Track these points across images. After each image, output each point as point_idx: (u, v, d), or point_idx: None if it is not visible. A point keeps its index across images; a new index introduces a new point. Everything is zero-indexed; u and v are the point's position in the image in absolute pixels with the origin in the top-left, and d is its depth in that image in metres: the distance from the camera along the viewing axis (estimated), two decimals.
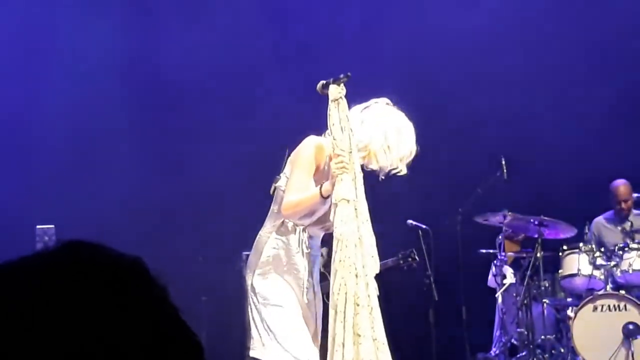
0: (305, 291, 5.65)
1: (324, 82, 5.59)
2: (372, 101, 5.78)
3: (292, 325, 5.61)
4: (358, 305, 5.38)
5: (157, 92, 10.38)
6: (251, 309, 5.75)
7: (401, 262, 8.59)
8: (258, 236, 5.79)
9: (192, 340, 1.04)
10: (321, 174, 5.65)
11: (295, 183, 5.58)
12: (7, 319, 0.97)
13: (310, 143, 5.64)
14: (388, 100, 5.80)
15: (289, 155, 5.75)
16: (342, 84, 5.56)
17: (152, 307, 1.02)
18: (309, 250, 5.71)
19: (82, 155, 10.11)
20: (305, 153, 5.63)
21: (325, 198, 5.51)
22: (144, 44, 10.42)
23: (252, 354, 5.68)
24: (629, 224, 9.34)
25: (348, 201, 5.44)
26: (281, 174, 5.75)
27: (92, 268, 1.02)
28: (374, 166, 5.69)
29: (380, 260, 8.05)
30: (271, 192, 5.80)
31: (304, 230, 5.69)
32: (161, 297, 1.04)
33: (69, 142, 10.10)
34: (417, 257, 8.57)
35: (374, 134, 5.66)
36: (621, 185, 9.51)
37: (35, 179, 9.93)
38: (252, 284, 5.76)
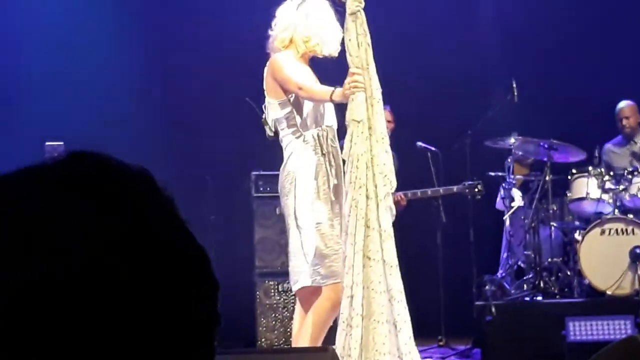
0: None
1: None
2: None
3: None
4: (369, 227, 5.37)
5: None
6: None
7: (466, 190, 8.62)
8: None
9: (200, 252, 1.03)
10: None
11: (292, 76, 5.65)
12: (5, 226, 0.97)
13: (275, 58, 5.78)
14: None
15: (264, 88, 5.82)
16: None
17: (159, 216, 1.02)
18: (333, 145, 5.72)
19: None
20: (281, 63, 5.75)
21: (332, 101, 5.54)
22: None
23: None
24: (637, 145, 9.32)
25: (358, 122, 5.42)
26: (264, 107, 5.83)
27: (98, 176, 1.01)
28: (327, 52, 5.76)
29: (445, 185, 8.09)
30: (266, 129, 5.82)
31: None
32: (168, 208, 1.04)
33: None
34: (482, 190, 8.60)
35: (321, 24, 5.77)
36: (625, 104, 9.49)
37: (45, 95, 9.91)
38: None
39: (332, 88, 5.53)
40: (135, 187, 1.02)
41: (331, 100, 5.55)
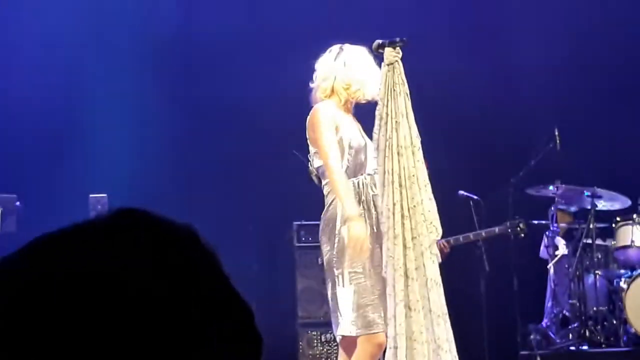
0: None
1: (380, 42, 5.63)
2: (336, 47, 5.98)
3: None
4: (408, 277, 5.36)
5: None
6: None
7: (509, 230, 8.58)
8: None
9: (244, 308, 1.04)
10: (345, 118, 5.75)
11: (325, 146, 5.70)
12: (63, 287, 0.98)
13: (315, 111, 5.80)
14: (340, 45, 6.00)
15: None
16: (397, 48, 5.56)
17: (204, 273, 1.03)
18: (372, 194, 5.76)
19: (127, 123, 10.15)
20: (316, 121, 5.76)
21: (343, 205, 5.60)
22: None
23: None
24: None
25: (389, 172, 5.45)
26: (310, 157, 5.88)
27: (146, 234, 1.02)
28: (369, 96, 5.83)
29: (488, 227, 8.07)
30: (313, 177, 5.90)
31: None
32: (213, 264, 1.05)
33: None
34: (525, 228, 8.55)
35: (360, 69, 5.87)
36: None
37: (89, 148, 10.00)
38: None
39: (354, 203, 5.59)
40: (180, 244, 1.03)
41: (342, 203, 5.63)
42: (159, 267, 1.00)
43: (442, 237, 8.62)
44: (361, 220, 5.57)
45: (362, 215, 5.64)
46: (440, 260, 5.52)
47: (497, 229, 8.62)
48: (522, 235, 8.60)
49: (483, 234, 8.65)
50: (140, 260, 1.00)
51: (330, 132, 5.76)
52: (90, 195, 8.14)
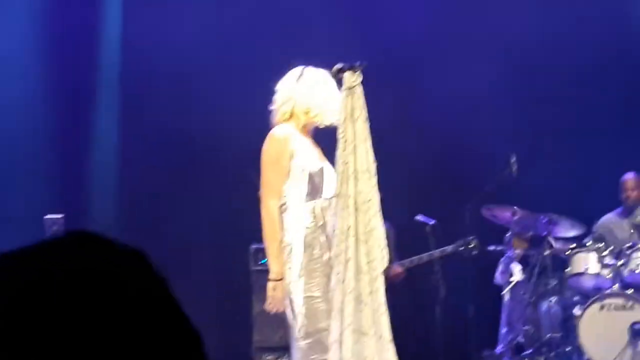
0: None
1: (340, 66, 5.59)
2: (297, 69, 5.94)
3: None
4: (361, 302, 5.35)
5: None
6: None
7: (461, 248, 8.60)
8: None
9: (192, 333, 1.04)
10: (304, 147, 5.74)
11: (269, 183, 5.71)
12: (4, 310, 0.98)
13: (269, 138, 5.79)
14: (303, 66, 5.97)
15: None
16: (357, 72, 5.54)
17: (152, 296, 1.02)
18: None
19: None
20: (268, 149, 5.76)
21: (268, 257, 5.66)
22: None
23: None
24: (638, 217, 9.33)
25: (344, 195, 5.43)
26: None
27: (94, 257, 1.02)
28: (327, 122, 5.81)
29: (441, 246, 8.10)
30: (260, 195, 5.88)
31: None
32: (161, 288, 1.05)
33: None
34: (478, 245, 8.58)
35: (321, 94, 5.83)
36: (629, 176, 9.54)
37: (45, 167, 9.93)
38: None
39: (279, 261, 5.65)
40: (128, 267, 1.03)
41: (267, 258, 5.68)
42: (105, 290, 0.99)
43: (397, 260, 8.70)
44: (280, 284, 5.63)
45: (282, 275, 5.69)
46: (385, 286, 5.52)
47: (449, 248, 8.68)
48: (475, 252, 8.65)
49: (436, 254, 8.69)
50: (87, 283, 0.99)
51: (277, 166, 5.71)
52: (46, 216, 8.06)
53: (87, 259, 1.02)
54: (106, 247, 1.05)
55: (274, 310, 5.68)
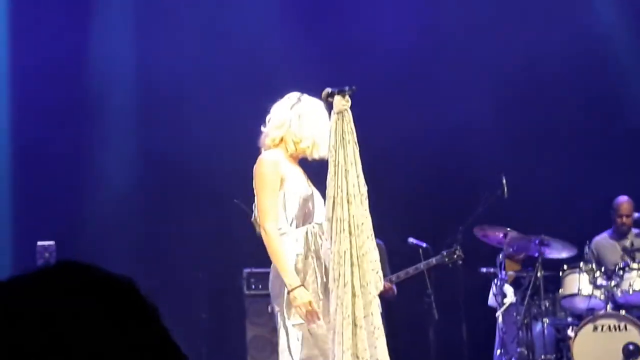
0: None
1: (330, 90, 5.58)
2: (294, 96, 5.86)
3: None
4: (356, 325, 5.34)
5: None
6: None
7: (446, 259, 8.61)
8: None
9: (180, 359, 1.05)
10: (292, 172, 5.72)
11: (265, 206, 5.65)
12: None
13: (260, 162, 5.74)
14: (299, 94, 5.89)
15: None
16: (347, 96, 5.54)
17: (142, 328, 1.03)
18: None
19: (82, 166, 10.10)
20: (260, 173, 5.71)
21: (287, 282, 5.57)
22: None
23: None
24: (629, 242, 9.35)
25: (337, 219, 5.43)
26: (254, 206, 5.82)
27: (85, 289, 1.03)
28: (317, 155, 5.73)
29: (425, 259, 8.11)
30: (256, 227, 5.83)
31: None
32: (151, 318, 1.05)
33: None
34: (462, 254, 8.58)
35: (314, 126, 5.77)
36: (624, 200, 9.53)
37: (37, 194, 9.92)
38: None
39: (293, 273, 5.59)
40: (116, 296, 1.04)
41: (282, 274, 5.63)
42: (94, 318, 1.00)
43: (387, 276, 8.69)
44: (302, 288, 5.55)
45: (302, 283, 5.61)
46: (381, 309, 5.52)
47: (434, 260, 8.67)
48: (460, 261, 8.64)
49: (422, 266, 8.69)
50: (76, 310, 1.00)
51: (271, 190, 5.69)
52: (38, 243, 8.06)
53: (72, 290, 1.03)
54: (93, 276, 1.06)
55: (312, 320, 5.52)
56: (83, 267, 1.07)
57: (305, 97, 5.86)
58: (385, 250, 8.77)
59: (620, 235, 9.54)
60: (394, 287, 8.68)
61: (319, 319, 5.50)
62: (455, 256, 8.61)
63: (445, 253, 8.65)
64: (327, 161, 5.62)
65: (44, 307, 1.01)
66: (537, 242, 9.01)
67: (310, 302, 5.48)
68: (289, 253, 5.64)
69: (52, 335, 0.99)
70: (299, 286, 5.52)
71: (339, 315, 5.34)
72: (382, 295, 5.74)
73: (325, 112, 5.71)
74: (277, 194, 5.69)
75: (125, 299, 1.05)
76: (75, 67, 10.27)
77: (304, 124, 5.75)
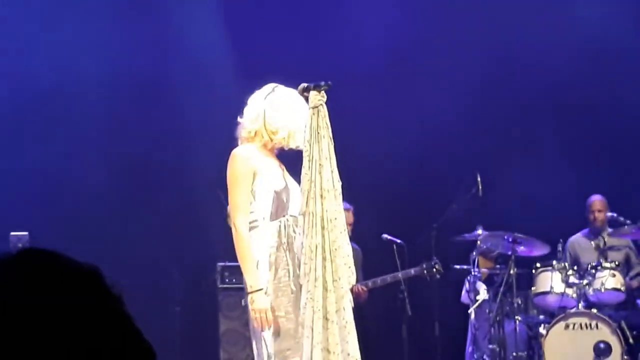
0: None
1: (305, 85, 5.59)
2: (269, 87, 5.87)
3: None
4: (328, 320, 5.35)
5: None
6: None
7: (425, 271, 8.64)
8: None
9: (143, 347, 1.05)
10: (266, 163, 5.72)
11: (236, 202, 5.67)
12: None
13: (232, 158, 5.75)
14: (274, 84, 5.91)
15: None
16: (322, 92, 5.54)
17: (104, 315, 1.04)
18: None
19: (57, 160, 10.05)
20: (231, 169, 5.72)
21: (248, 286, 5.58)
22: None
23: None
24: (603, 241, 9.39)
25: (311, 213, 5.44)
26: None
27: (48, 276, 1.04)
28: (293, 145, 5.75)
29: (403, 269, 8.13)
30: (229, 221, 5.83)
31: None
32: (115, 306, 1.06)
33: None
34: (441, 269, 8.62)
35: (289, 116, 5.77)
36: (596, 197, 9.60)
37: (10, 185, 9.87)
38: None
39: (256, 275, 5.59)
40: (80, 284, 1.04)
41: (244, 275, 5.64)
42: (56, 305, 1.01)
43: (362, 280, 8.72)
44: (262, 293, 5.56)
45: (263, 288, 5.62)
46: (352, 304, 5.53)
47: (413, 271, 8.72)
48: (438, 276, 8.70)
49: (399, 275, 8.73)
50: (38, 296, 1.01)
51: (243, 185, 5.68)
52: (11, 234, 8.03)
53: (35, 278, 1.04)
54: (57, 265, 1.06)
55: (264, 326, 5.56)
56: (47, 254, 1.07)
57: (280, 87, 5.86)
58: (360, 255, 8.80)
59: (594, 234, 9.59)
60: (366, 294, 8.73)
61: (269, 327, 5.52)
62: (434, 270, 8.66)
63: (425, 266, 8.70)
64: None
65: (4, 295, 1.01)
66: (510, 239, 9.04)
67: (266, 310, 5.50)
68: (262, 247, 5.64)
69: (11, 323, 0.99)
70: (259, 290, 5.55)
71: (308, 310, 5.34)
72: (354, 299, 5.74)
73: (302, 101, 5.68)
74: (248, 189, 5.69)
75: (88, 286, 1.05)
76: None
77: (279, 114, 5.75)
